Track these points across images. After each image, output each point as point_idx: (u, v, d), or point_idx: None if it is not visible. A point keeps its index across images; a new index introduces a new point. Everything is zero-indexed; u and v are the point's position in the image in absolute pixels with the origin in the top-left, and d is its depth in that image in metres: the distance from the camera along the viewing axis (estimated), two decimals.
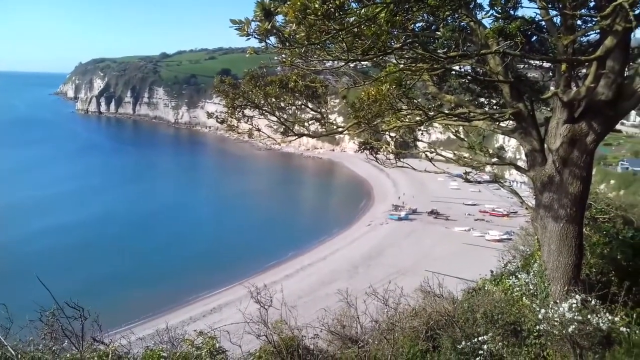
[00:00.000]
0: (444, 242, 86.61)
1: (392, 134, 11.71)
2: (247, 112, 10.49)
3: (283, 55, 7.09)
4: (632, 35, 8.13)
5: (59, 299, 7.83)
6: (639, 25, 8.05)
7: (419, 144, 12.96)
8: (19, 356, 6.81)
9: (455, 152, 12.04)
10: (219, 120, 10.49)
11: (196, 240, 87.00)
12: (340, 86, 11.21)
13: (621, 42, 7.61)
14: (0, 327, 7.38)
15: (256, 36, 4.89)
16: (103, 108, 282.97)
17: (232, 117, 10.25)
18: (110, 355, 7.23)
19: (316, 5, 4.63)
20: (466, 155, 11.62)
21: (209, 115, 10.60)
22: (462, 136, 11.64)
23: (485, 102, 11.48)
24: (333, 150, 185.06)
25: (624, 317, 8.84)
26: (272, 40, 5.93)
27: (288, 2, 4.63)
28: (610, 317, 8.39)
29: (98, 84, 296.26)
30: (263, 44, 5.88)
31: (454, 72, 10.46)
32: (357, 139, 11.81)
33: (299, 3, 4.58)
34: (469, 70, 10.95)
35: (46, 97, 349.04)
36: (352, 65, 11.29)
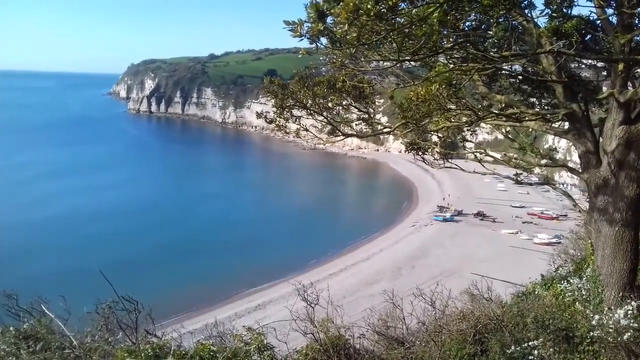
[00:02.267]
0: (489, 244, 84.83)
1: (440, 135, 11.61)
2: (295, 112, 10.62)
3: (333, 56, 7.15)
4: None
5: (111, 292, 8.12)
6: None
7: (467, 144, 12.80)
8: (80, 346, 7.10)
9: (504, 153, 11.82)
10: (267, 120, 10.65)
11: (240, 236, 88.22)
12: (386, 86, 11.20)
13: None
14: (59, 318, 7.73)
15: (308, 37, 4.97)
16: (153, 108, 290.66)
17: (280, 117, 10.39)
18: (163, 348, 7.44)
19: (369, 6, 4.66)
20: (515, 156, 11.40)
21: (258, 115, 10.78)
22: (511, 137, 11.41)
23: (536, 103, 11.24)
24: (377, 150, 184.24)
25: None
26: (324, 41, 6.01)
27: (341, 3, 4.69)
28: None
29: (149, 85, 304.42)
30: (314, 45, 5.97)
31: (505, 72, 10.30)
32: (403, 140, 11.76)
33: (351, 4, 4.62)
34: (520, 70, 10.75)
35: (99, 97, 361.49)
36: (399, 65, 11.28)
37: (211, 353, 7.76)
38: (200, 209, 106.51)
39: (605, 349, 8.37)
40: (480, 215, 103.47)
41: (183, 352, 7.52)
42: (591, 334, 8.33)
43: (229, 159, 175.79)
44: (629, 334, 7.81)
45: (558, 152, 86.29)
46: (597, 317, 8.22)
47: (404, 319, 10.77)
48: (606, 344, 8.26)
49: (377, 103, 13.03)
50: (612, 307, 8.45)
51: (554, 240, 76.10)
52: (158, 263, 72.66)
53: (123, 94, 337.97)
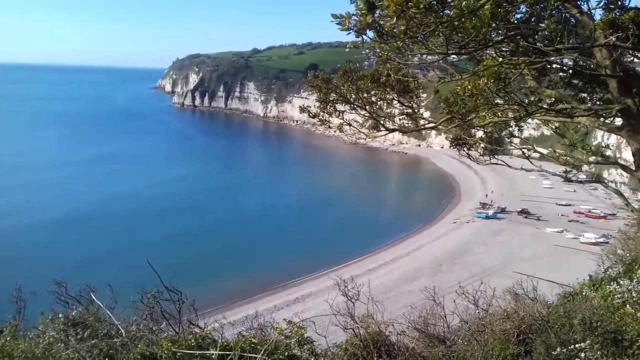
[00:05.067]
0: (533, 243, 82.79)
1: (486, 130, 11.38)
2: (339, 106, 10.60)
3: (378, 50, 7.08)
4: None
5: (156, 282, 8.32)
6: None
7: (513, 140, 12.50)
8: (126, 335, 7.28)
9: (552, 149, 11.50)
10: (310, 114, 10.67)
11: (280, 229, 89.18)
12: (431, 80, 11.04)
13: None
14: (106, 307, 7.95)
15: (355, 30, 4.93)
16: (197, 102, 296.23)
17: (324, 112, 10.39)
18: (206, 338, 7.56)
19: None
20: (563, 152, 11.06)
21: (302, 109, 10.81)
22: (560, 133, 11.07)
23: (588, 98, 10.86)
24: (419, 145, 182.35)
25: None
26: (370, 34, 5.96)
27: None
28: None
29: (193, 79, 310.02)
30: (360, 38, 5.93)
31: (555, 66, 9.99)
32: (447, 135, 11.58)
33: None
34: (572, 64, 10.40)
35: (145, 91, 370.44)
36: (445, 58, 11.10)
37: (252, 345, 7.84)
38: (243, 202, 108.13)
39: None
40: (524, 213, 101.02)
41: (225, 344, 7.63)
42: None
43: (271, 153, 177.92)
44: None
45: (609, 149, 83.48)
46: None
47: (445, 316, 10.64)
48: None
49: (420, 97, 12.88)
50: None
51: (601, 240, 73.72)
52: (201, 254, 74.07)
53: (168, 88, 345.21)
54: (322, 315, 10.95)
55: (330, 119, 10.73)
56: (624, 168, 9.52)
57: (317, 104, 10.37)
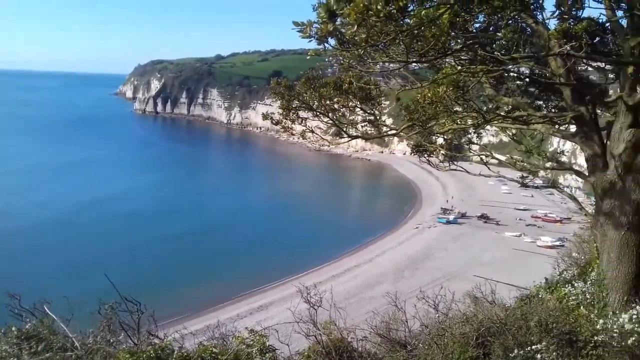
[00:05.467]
0: (493, 247, 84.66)
1: (446, 137, 11.59)
2: (301, 113, 10.62)
3: (340, 58, 7.14)
4: None
5: (114, 292, 8.14)
6: None
7: (473, 147, 12.76)
8: (81, 347, 7.09)
9: (509, 155, 11.79)
10: (273, 121, 10.64)
11: (243, 237, 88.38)
12: (392, 88, 11.18)
13: None
14: (62, 319, 7.72)
15: (316, 38, 4.95)
16: (159, 108, 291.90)
17: (286, 119, 10.38)
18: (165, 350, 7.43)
19: (378, 7, 4.64)
20: (520, 159, 11.35)
21: (265, 116, 10.77)
22: (517, 139, 11.37)
23: (543, 105, 11.19)
24: (382, 152, 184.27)
25: None
26: (332, 42, 5.99)
27: (351, 4, 4.66)
28: None
29: (155, 85, 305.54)
30: (322, 46, 5.96)
31: (512, 74, 10.26)
32: (407, 142, 11.74)
33: (361, 4, 4.60)
34: (528, 73, 10.71)
35: (107, 97, 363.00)
36: (406, 66, 11.26)
37: (213, 355, 7.76)
38: (206, 209, 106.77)
39: (609, 353, 8.31)
40: (484, 217, 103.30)
41: (185, 354, 7.51)
42: (595, 338, 8.28)
43: (235, 160, 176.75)
44: (634, 338, 7.76)
45: (564, 155, 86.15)
46: (601, 321, 8.18)
47: (406, 321, 10.76)
48: (610, 349, 8.21)
49: (383, 105, 13.01)
50: (617, 312, 8.40)
51: (557, 243, 75.99)
52: (161, 263, 72.76)
53: (129, 94, 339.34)
54: (285, 322, 10.94)
55: (293, 126, 10.73)
56: (578, 173, 9.83)
57: (280, 110, 10.35)
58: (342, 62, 7.30)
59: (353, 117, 11.23)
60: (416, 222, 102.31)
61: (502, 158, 11.21)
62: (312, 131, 10.69)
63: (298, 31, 4.74)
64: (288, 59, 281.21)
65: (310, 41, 4.90)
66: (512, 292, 13.51)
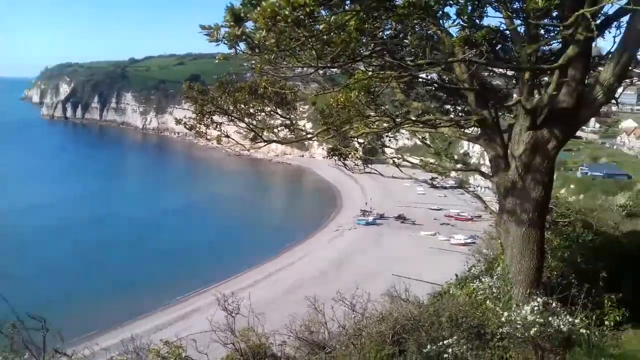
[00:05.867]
0: (411, 246, 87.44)
1: (361, 140, 11.83)
2: (216, 118, 10.46)
3: (253, 62, 7.10)
4: (593, 45, 8.43)
5: (20, 308, 7.69)
6: (600, 34, 8.35)
7: (387, 150, 13.12)
8: None
9: (422, 158, 12.21)
10: (187, 126, 10.42)
11: (161, 247, 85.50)
12: (310, 92, 11.27)
13: (582, 51, 7.88)
14: None
15: (225, 42, 4.89)
16: (69, 113, 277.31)
17: (200, 124, 10.19)
18: None
19: (286, 13, 4.66)
20: (432, 161, 11.82)
21: (178, 121, 10.51)
22: (428, 142, 11.84)
23: (451, 109, 11.71)
24: (302, 156, 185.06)
25: (583, 319, 9.11)
26: (242, 46, 5.95)
27: (258, 9, 4.65)
28: (570, 319, 8.64)
29: (64, 89, 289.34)
30: (233, 50, 5.90)
31: (421, 80, 10.65)
32: (325, 145, 11.88)
33: (269, 10, 4.60)
34: (436, 78, 11.16)
35: (13, 101, 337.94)
36: (321, 72, 11.40)
37: None
38: (120, 219, 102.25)
39: (514, 344, 8.80)
40: (400, 218, 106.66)
41: None
42: (500, 330, 8.72)
43: (151, 166, 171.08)
44: (535, 329, 8.24)
45: (472, 156, 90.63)
46: (505, 313, 8.62)
47: (325, 323, 10.85)
48: (515, 340, 8.68)
49: (302, 109, 13.09)
50: (520, 304, 8.90)
51: (469, 240, 79.58)
52: (76, 276, 68.97)
53: (36, 99, 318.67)
54: (203, 332, 10.73)
55: (208, 131, 10.55)
56: (482, 174, 10.38)
57: (194, 115, 10.15)
58: (253, 66, 7.27)
59: (273, 121, 11.21)
60: (337, 225, 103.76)
61: (415, 161, 11.59)
62: (228, 136, 10.55)
63: (205, 35, 4.66)
64: (206, 63, 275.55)
65: (217, 45, 4.84)
66: (429, 289, 14.03)
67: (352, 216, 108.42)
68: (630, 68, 8.58)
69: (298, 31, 5.11)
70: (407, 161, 11.03)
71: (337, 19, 5.48)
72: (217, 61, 6.13)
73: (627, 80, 10.52)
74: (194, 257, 79.85)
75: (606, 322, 10.02)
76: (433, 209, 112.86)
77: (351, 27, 5.16)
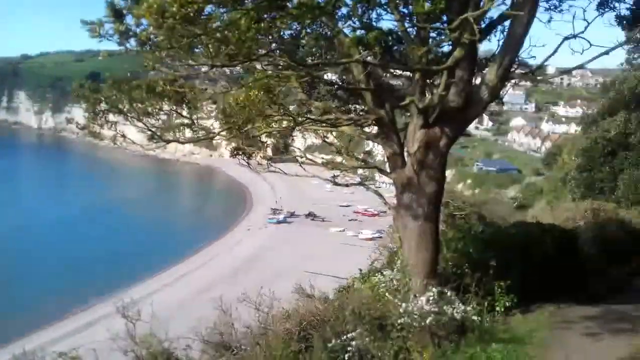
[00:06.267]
0: (321, 243, 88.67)
1: (265, 139, 11.82)
2: (112, 117, 10.04)
3: (145, 60, 6.87)
4: (478, 47, 8.98)
5: None
6: (483, 37, 8.91)
7: (292, 148, 13.23)
8: None
9: (323, 156, 12.44)
10: (79, 126, 9.92)
11: (62, 253, 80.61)
12: (219, 91, 11.09)
13: (469, 53, 8.37)
14: None
15: (109, 38, 4.69)
16: None
17: (94, 123, 9.73)
18: None
19: (174, 9, 4.55)
20: (339, 159, 12.05)
21: (68, 121, 10.00)
22: (331, 141, 12.05)
23: (352, 109, 11.99)
24: (211, 155, 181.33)
25: (475, 306, 9.70)
26: (133, 42, 5.74)
27: (145, 5, 4.50)
28: (463, 307, 9.16)
29: None
30: (123, 46, 5.68)
31: (323, 80, 10.81)
32: (228, 145, 11.78)
33: (156, 5, 4.46)
34: (336, 79, 11.39)
35: None
36: (228, 70, 11.30)
37: None
38: (10, 227, 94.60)
39: (412, 333, 9.19)
40: (311, 215, 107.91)
41: None
42: (399, 321, 9.06)
43: (47, 170, 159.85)
44: (431, 318, 8.68)
45: (377, 154, 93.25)
46: (404, 305, 8.98)
47: (232, 324, 10.76)
48: (413, 329, 9.06)
49: (210, 108, 12.92)
50: (417, 295, 9.30)
51: (377, 235, 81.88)
52: None
53: None
54: (101, 341, 10.33)
55: (102, 131, 10.11)
56: (381, 171, 10.76)
57: (86, 115, 9.67)
58: (145, 64, 7.03)
59: (180, 120, 10.90)
60: (248, 224, 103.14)
61: (317, 159, 11.76)
62: (124, 136, 10.15)
63: (87, 30, 4.44)
64: (107, 60, 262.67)
65: (100, 41, 4.63)
66: (338, 284, 14.25)
67: (262, 215, 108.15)
68: (512, 70, 9.25)
69: (189, 28, 5.00)
70: (310, 160, 11.17)
71: (231, 17, 5.44)
72: (101, 58, 5.87)
73: (514, 81, 11.34)
74: (99, 263, 75.83)
75: (497, 308, 10.72)
76: (342, 206, 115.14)
77: (242, 25, 5.14)
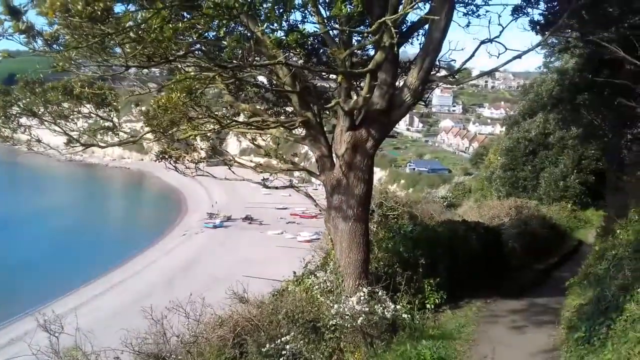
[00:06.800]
0: (259, 246, 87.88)
1: (196, 143, 11.55)
2: (25, 121, 9.49)
3: (54, 60, 6.50)
4: (399, 51, 9.11)
5: None
6: (404, 41, 9.06)
7: (222, 151, 12.94)
8: None
9: (256, 159, 12.29)
10: None
11: None
12: (141, 93, 10.70)
13: (390, 56, 8.47)
14: None
15: (9, 37, 4.37)
16: None
17: (5, 127, 9.16)
18: None
19: (79, 7, 4.29)
20: (273, 162, 11.90)
21: None
22: (260, 144, 11.92)
23: (281, 111, 11.92)
24: (142, 159, 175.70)
25: (406, 304, 9.85)
26: (40, 42, 5.40)
27: (47, 2, 4.21)
28: (394, 306, 9.27)
29: None
30: (30, 46, 5.33)
31: (250, 82, 10.66)
32: (152, 149, 11.41)
33: (58, 3, 4.19)
34: (264, 80, 11.27)
35: None
36: (157, 72, 10.93)
37: None
38: None
39: (345, 334, 9.22)
40: (248, 219, 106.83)
41: None
42: (332, 322, 9.07)
43: None
44: (362, 318, 8.71)
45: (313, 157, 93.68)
46: (336, 306, 8.98)
47: (164, 334, 10.44)
48: (345, 330, 9.09)
49: (137, 110, 12.47)
50: (349, 295, 9.33)
51: (315, 237, 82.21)
52: None
53: None
54: (18, 356, 9.90)
55: (15, 135, 9.54)
56: (310, 173, 10.75)
57: None
58: (54, 65, 6.65)
59: (109, 123, 10.42)
60: (183, 229, 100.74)
61: (247, 163, 11.57)
62: (39, 140, 9.61)
63: None
64: (26, 60, 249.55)
65: (0, 39, 4.30)
66: (274, 287, 14.09)
67: (198, 220, 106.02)
68: (432, 72, 9.47)
69: (96, 28, 4.75)
70: (239, 163, 10.99)
71: (145, 16, 5.22)
72: (0, 58, 5.47)
73: (437, 83, 11.62)
74: (24, 274, 71.57)
75: (427, 305, 10.95)
76: (279, 209, 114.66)
77: (156, 25, 4.94)
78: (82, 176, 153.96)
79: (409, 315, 9.60)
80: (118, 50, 6.35)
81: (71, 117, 9.59)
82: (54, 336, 9.81)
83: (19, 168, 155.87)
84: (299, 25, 8.60)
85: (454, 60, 10.73)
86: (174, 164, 11.22)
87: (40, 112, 9.24)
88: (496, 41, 9.41)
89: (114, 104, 9.76)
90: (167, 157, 11.03)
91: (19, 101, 8.82)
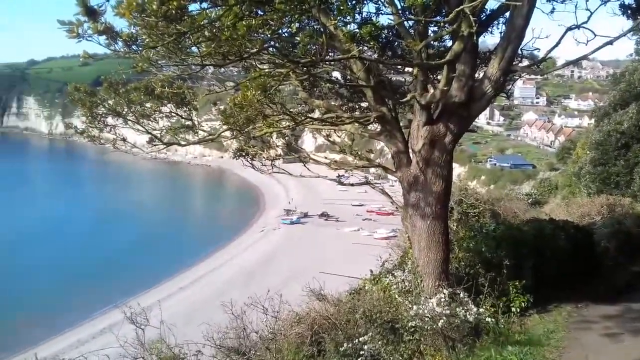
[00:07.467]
0: (335, 243, 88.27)
1: (273, 140, 11.61)
2: (110, 120, 9.88)
3: (134, 61, 6.66)
4: (478, 40, 8.64)
5: None
6: (483, 30, 8.58)
7: (298, 148, 12.99)
8: None
9: (332, 156, 12.18)
10: (78, 130, 9.78)
11: (79, 258, 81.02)
12: (218, 92, 10.90)
13: (468, 46, 8.04)
14: None
15: (89, 39, 4.46)
16: None
17: (92, 127, 9.58)
18: None
19: (154, 7, 4.31)
20: (349, 158, 11.77)
21: (67, 125, 9.84)
22: (334, 140, 11.81)
23: (356, 107, 11.72)
24: (222, 157, 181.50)
25: (489, 307, 9.38)
26: (120, 44, 5.52)
27: (124, 3, 4.26)
28: (476, 309, 8.84)
29: None
30: (111, 48, 5.47)
31: (324, 78, 10.55)
32: (230, 147, 11.59)
33: (134, 3, 4.23)
34: (338, 76, 11.12)
35: None
36: (235, 71, 11.07)
37: None
38: (32, 232, 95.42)
39: (425, 336, 8.89)
40: (324, 215, 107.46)
41: None
42: (411, 323, 8.77)
43: (61, 175, 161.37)
44: (443, 320, 8.35)
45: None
46: (415, 307, 8.68)
47: (244, 329, 10.57)
48: (425, 332, 8.77)
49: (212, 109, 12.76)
50: (429, 297, 9.00)
51: (392, 234, 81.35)
52: None
53: None
54: (108, 347, 10.29)
55: (102, 134, 9.97)
56: (386, 169, 10.48)
57: (84, 119, 9.53)
58: (134, 65, 6.82)
59: (189, 122, 10.74)
60: (261, 225, 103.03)
61: (323, 160, 11.47)
62: (124, 139, 10.00)
63: (65, 31, 4.22)
64: (113, 63, 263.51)
65: (79, 41, 4.39)
66: (351, 285, 13.99)
67: (276, 216, 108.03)
68: (515, 62, 8.91)
69: (172, 27, 4.77)
70: (314, 160, 10.92)
71: (218, 13, 5.21)
72: (82, 60, 5.65)
73: (520, 74, 10.97)
74: (114, 267, 76.21)
75: (512, 309, 10.36)
76: (355, 205, 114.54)
77: (230, 23, 4.90)
78: (166, 173, 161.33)
79: (493, 319, 9.13)
80: (194, 49, 6.46)
81: (153, 116, 9.88)
82: (140, 328, 10.09)
83: (109, 166, 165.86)
84: (372, 17, 8.33)
85: (538, 49, 10.04)
86: (250, 161, 11.35)
87: (124, 112, 9.57)
88: (584, 27, 8.71)
89: (193, 103, 9.97)
90: (244, 154, 11.18)
91: (104, 102, 9.18)
